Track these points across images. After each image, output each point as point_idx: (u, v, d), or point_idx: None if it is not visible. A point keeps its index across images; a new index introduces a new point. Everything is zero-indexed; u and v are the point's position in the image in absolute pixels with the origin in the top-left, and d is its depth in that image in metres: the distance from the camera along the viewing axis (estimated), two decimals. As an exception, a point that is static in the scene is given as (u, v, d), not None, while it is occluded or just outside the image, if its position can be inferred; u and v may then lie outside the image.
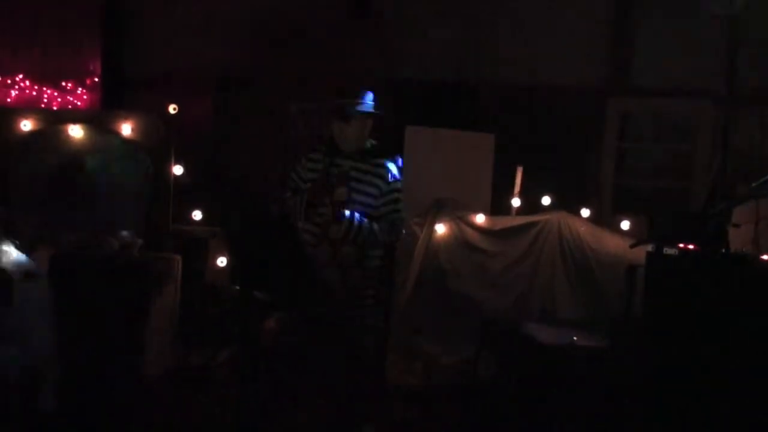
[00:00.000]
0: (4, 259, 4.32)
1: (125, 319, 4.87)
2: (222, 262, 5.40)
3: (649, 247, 3.55)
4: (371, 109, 4.17)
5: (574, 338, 3.82)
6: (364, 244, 4.04)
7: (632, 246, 4.26)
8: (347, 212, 3.98)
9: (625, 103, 7.00)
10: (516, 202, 5.92)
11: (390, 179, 4.13)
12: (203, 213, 5.73)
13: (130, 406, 4.72)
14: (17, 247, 4.53)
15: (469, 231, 5.64)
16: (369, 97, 4.21)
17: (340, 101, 4.12)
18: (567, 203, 5.82)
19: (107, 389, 4.72)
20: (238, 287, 4.13)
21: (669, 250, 3.44)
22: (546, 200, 5.93)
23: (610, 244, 5.42)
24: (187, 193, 5.69)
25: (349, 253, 4.04)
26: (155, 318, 5.01)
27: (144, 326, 4.91)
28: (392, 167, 4.17)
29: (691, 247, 3.46)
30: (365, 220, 4.02)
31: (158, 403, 4.84)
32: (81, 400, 4.56)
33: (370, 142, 4.23)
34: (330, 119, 4.17)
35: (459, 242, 5.62)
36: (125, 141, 5.54)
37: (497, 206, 6.10)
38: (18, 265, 4.36)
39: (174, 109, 5.51)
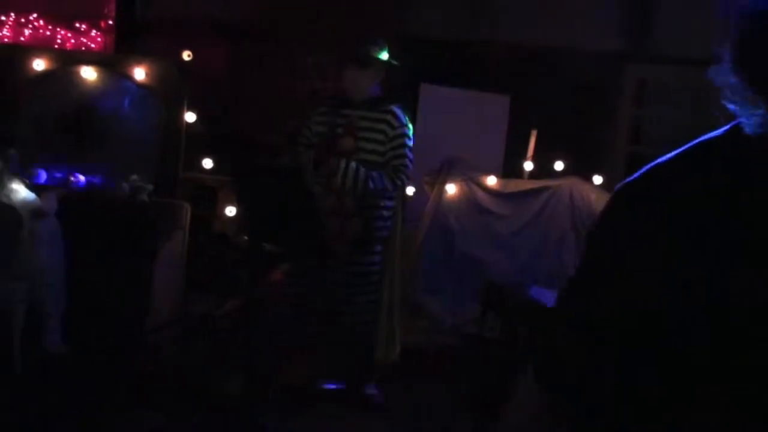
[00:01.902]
0: (14, 198, 4.32)
1: (133, 263, 4.88)
2: (231, 211, 5.39)
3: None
4: (388, 59, 4.14)
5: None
6: (366, 192, 4.01)
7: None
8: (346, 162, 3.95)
9: (643, 70, 6.91)
10: (528, 165, 5.87)
11: (397, 124, 4.08)
12: (214, 162, 5.71)
13: (134, 350, 4.75)
14: (27, 187, 4.53)
15: (479, 192, 5.62)
16: (386, 48, 4.19)
17: (359, 47, 4.09)
18: (580, 169, 5.78)
19: (112, 333, 4.75)
20: (246, 237, 4.14)
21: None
22: (559, 165, 5.89)
23: (621, 212, 5.39)
24: (198, 141, 5.66)
25: (350, 203, 4.02)
26: (163, 264, 5.02)
27: (151, 272, 4.92)
28: (400, 113, 4.13)
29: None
30: (363, 168, 3.98)
31: (162, 349, 4.88)
32: (85, 342, 4.60)
33: (379, 90, 4.19)
34: (345, 66, 4.12)
35: (469, 203, 5.59)
36: (138, 85, 5.49)
37: (509, 169, 6.06)
38: (27, 204, 4.36)
39: (188, 55, 5.46)
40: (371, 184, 3.98)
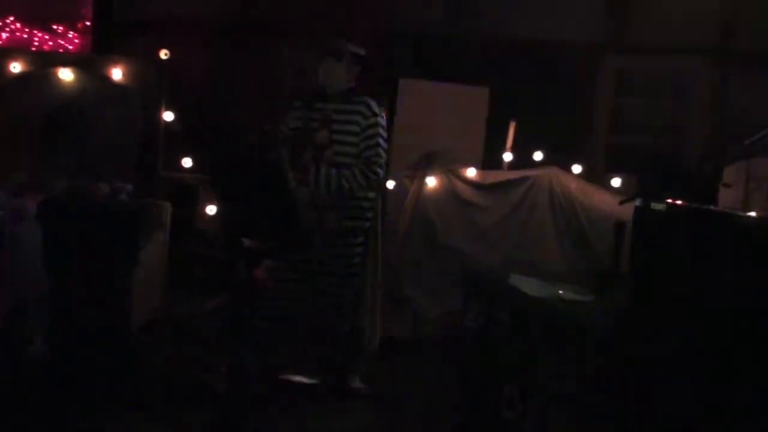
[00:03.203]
0: (-7, 202, 4.31)
1: (114, 265, 4.86)
2: (212, 209, 5.39)
3: (637, 202, 3.56)
4: (361, 53, 4.16)
5: (560, 291, 3.85)
6: (341, 193, 4.05)
7: (621, 203, 4.25)
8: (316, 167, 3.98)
9: (620, 60, 6.97)
10: (508, 156, 5.90)
11: (369, 114, 4.11)
12: (193, 160, 5.70)
13: (117, 353, 4.74)
14: (5, 190, 4.52)
15: (459, 184, 5.63)
16: (360, 46, 4.22)
17: (334, 40, 4.13)
18: (559, 159, 5.81)
19: (95, 335, 4.74)
20: (224, 233, 4.14)
21: (657, 206, 3.44)
22: (538, 156, 5.92)
23: (601, 201, 5.43)
24: (177, 139, 5.65)
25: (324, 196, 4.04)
26: (144, 265, 5.00)
27: (133, 273, 4.90)
28: (372, 104, 4.16)
29: (679, 203, 3.46)
30: (334, 170, 4.00)
31: (146, 351, 4.87)
32: (69, 346, 4.58)
33: (353, 83, 4.21)
34: (320, 58, 4.16)
35: (449, 196, 5.61)
36: (116, 85, 5.48)
37: (489, 160, 6.08)
38: (6, 207, 4.35)
39: (165, 54, 5.46)
40: (345, 184, 4.02)
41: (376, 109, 4.16)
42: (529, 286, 3.90)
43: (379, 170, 4.15)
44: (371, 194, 4.24)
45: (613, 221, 4.86)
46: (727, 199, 4.19)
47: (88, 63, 5.63)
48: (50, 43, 7.41)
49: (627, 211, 4.22)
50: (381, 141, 4.15)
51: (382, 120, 4.18)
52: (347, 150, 4.10)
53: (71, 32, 7.45)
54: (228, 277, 4.36)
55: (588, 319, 3.56)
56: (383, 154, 4.16)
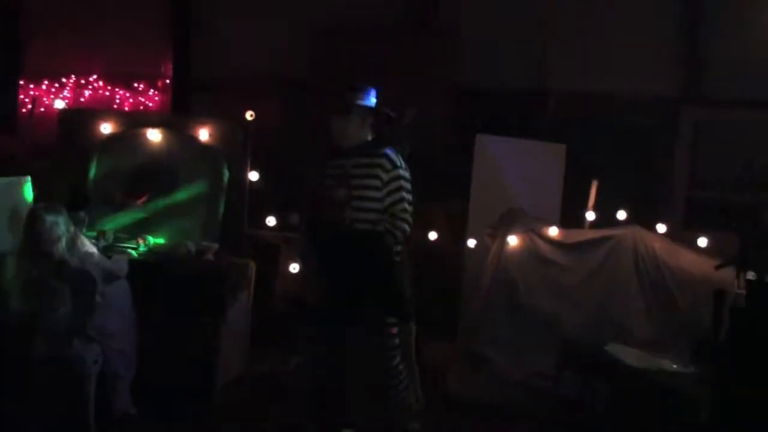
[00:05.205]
0: (88, 262, 4.39)
1: (201, 323, 4.92)
2: (294, 268, 5.41)
3: (749, 275, 3.47)
4: (372, 104, 4.09)
5: (661, 362, 3.77)
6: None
7: (718, 267, 4.17)
8: None
9: (699, 113, 6.89)
10: (590, 215, 5.82)
11: (390, 167, 4.01)
12: (276, 219, 5.74)
13: (203, 410, 4.78)
14: (99, 250, 4.61)
15: (541, 244, 5.55)
16: (371, 93, 4.14)
17: (340, 96, 4.07)
18: (641, 217, 5.72)
19: (182, 393, 4.78)
20: (322, 298, 4.12)
21: (768, 279, 3.35)
22: (621, 214, 5.81)
23: (687, 262, 5.26)
24: (261, 198, 5.70)
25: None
26: (229, 323, 5.04)
27: (220, 331, 4.95)
28: (393, 156, 4.05)
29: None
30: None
31: (230, 408, 4.89)
32: (155, 404, 4.62)
33: (371, 136, 4.14)
34: (329, 115, 4.10)
35: (531, 255, 5.53)
36: (203, 146, 5.56)
37: (568, 218, 6.01)
38: (99, 267, 4.43)
39: (251, 115, 5.52)
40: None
41: (399, 162, 4.05)
42: (629, 355, 3.84)
43: (405, 226, 4.03)
44: (398, 248, 4.11)
45: (701, 283, 4.75)
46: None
47: (175, 123, 5.73)
48: (131, 100, 7.62)
49: (721, 275, 4.14)
50: (405, 194, 4.03)
51: (405, 172, 4.07)
52: (369, 206, 3.99)
53: (152, 90, 7.64)
54: (314, 337, 4.35)
55: (693, 392, 3.49)
56: (409, 208, 4.04)
